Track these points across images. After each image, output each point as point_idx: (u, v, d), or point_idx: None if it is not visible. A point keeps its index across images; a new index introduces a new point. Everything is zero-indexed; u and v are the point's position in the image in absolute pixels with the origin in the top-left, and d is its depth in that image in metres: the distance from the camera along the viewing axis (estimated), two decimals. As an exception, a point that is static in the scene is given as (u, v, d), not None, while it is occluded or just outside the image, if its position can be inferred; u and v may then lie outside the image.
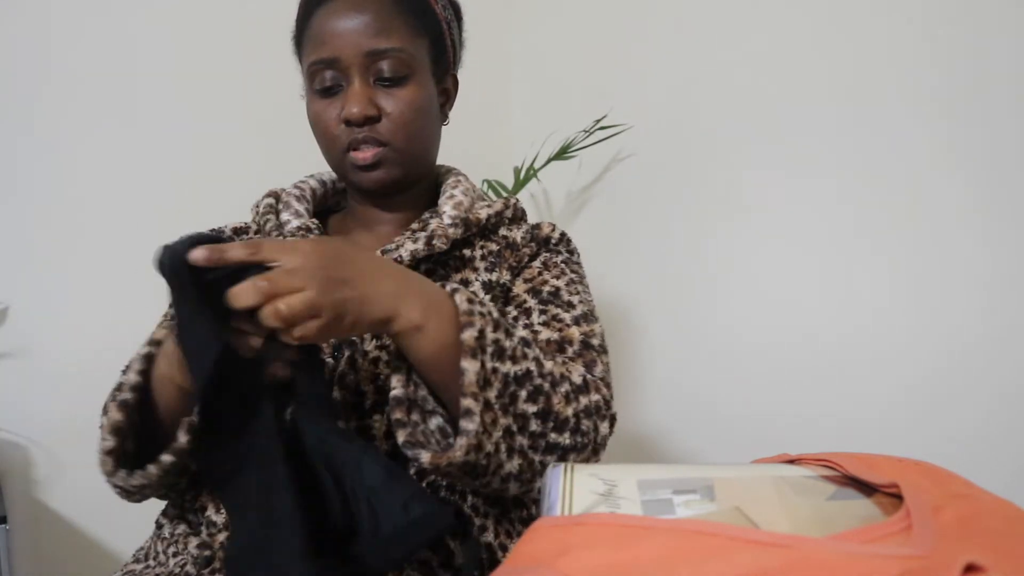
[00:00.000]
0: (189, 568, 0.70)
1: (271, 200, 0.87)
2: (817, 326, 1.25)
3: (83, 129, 1.45)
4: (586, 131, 1.57)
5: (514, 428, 0.63)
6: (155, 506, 0.82)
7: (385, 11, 0.76)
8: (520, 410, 0.63)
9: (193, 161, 1.55)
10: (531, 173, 1.64)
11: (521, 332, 0.67)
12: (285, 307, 0.54)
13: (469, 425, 0.60)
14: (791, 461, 0.52)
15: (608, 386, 0.73)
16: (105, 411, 0.70)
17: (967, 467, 0.53)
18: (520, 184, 1.64)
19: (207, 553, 0.71)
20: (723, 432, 1.42)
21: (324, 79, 0.77)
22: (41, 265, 1.43)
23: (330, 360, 0.75)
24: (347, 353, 0.74)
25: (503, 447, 0.63)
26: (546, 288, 0.79)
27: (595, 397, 0.69)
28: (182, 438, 0.68)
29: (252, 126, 1.58)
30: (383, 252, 0.78)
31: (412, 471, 0.72)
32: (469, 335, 0.61)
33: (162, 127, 1.52)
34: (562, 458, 0.66)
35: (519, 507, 0.80)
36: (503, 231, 0.86)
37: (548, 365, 0.66)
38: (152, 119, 1.51)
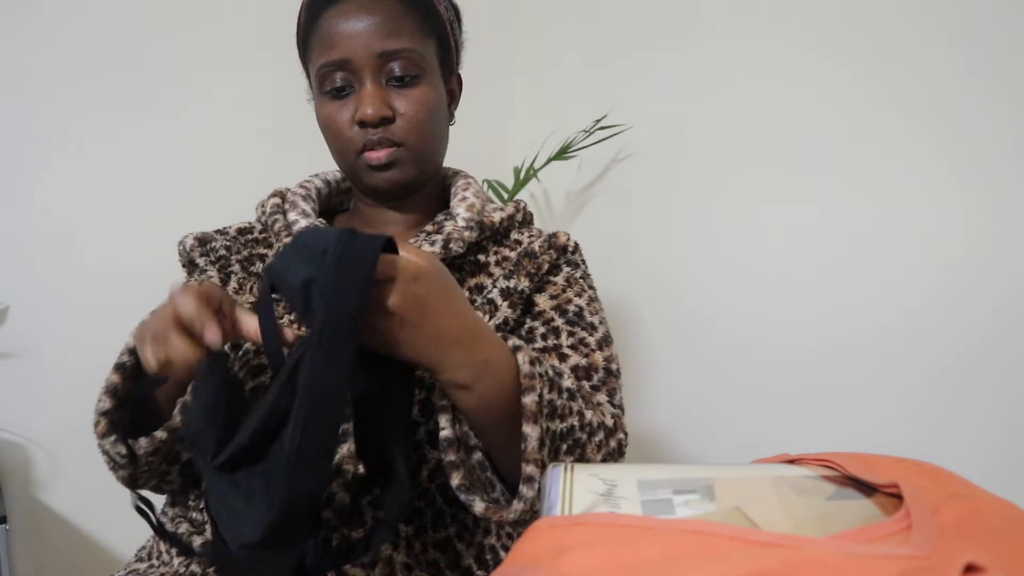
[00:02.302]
0: (194, 567, 0.71)
1: (277, 200, 0.87)
2: (817, 326, 1.25)
3: (84, 129, 1.45)
4: (586, 131, 1.56)
5: None
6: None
7: (394, 12, 0.76)
8: (560, 459, 0.64)
9: (195, 161, 1.55)
10: (531, 173, 1.64)
11: (567, 383, 0.67)
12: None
13: (529, 492, 0.59)
14: (791, 461, 0.52)
15: (623, 411, 0.75)
16: None
17: (967, 467, 0.53)
18: (520, 184, 1.64)
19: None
20: (723, 432, 1.42)
21: (335, 81, 0.77)
22: (41, 265, 1.43)
23: None
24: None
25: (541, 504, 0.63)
26: (571, 308, 0.80)
27: (620, 436, 0.70)
28: (177, 417, 0.68)
29: (254, 126, 1.58)
30: None
31: (425, 473, 0.73)
32: (531, 400, 0.60)
33: (164, 126, 1.52)
34: None
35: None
36: (515, 235, 0.86)
37: (588, 416, 0.67)
38: (154, 119, 1.51)
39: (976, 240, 1.05)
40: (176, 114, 1.53)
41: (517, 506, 0.60)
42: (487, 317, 0.77)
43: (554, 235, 0.87)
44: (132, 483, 0.75)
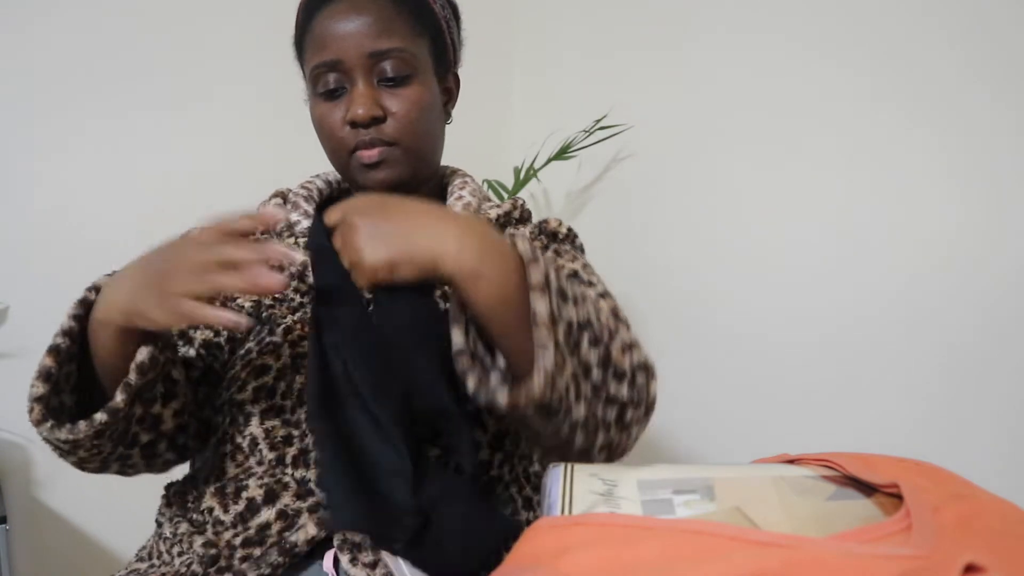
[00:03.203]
0: (195, 567, 0.70)
1: (279, 200, 0.87)
2: (818, 326, 1.25)
3: (84, 129, 1.45)
4: (586, 131, 1.56)
5: (580, 373, 0.62)
6: (156, 505, 0.82)
7: (385, 12, 0.76)
8: (583, 356, 0.62)
9: (196, 161, 1.55)
10: (531, 173, 1.64)
11: (577, 283, 0.67)
12: (360, 273, 0.59)
13: (545, 359, 0.58)
14: (791, 461, 0.52)
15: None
16: None
17: (967, 467, 0.53)
18: (520, 184, 1.64)
19: (213, 552, 0.71)
20: (723, 432, 1.42)
21: (327, 82, 0.77)
22: (41, 265, 1.43)
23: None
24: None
25: (572, 390, 0.62)
26: (564, 272, 0.79)
27: (644, 353, 0.68)
28: (119, 397, 0.66)
29: (256, 126, 1.58)
30: None
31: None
32: (536, 274, 0.60)
33: (164, 127, 1.52)
34: (620, 413, 0.66)
35: (528, 509, 0.80)
36: (510, 230, 0.86)
37: (604, 315, 0.66)
38: (154, 119, 1.51)
39: (977, 239, 1.05)
40: (177, 114, 1.53)
41: (539, 376, 0.58)
42: None
43: (544, 221, 0.87)
44: (85, 468, 0.73)
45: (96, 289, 0.71)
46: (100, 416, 0.66)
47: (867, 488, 0.44)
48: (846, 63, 1.19)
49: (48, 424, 0.66)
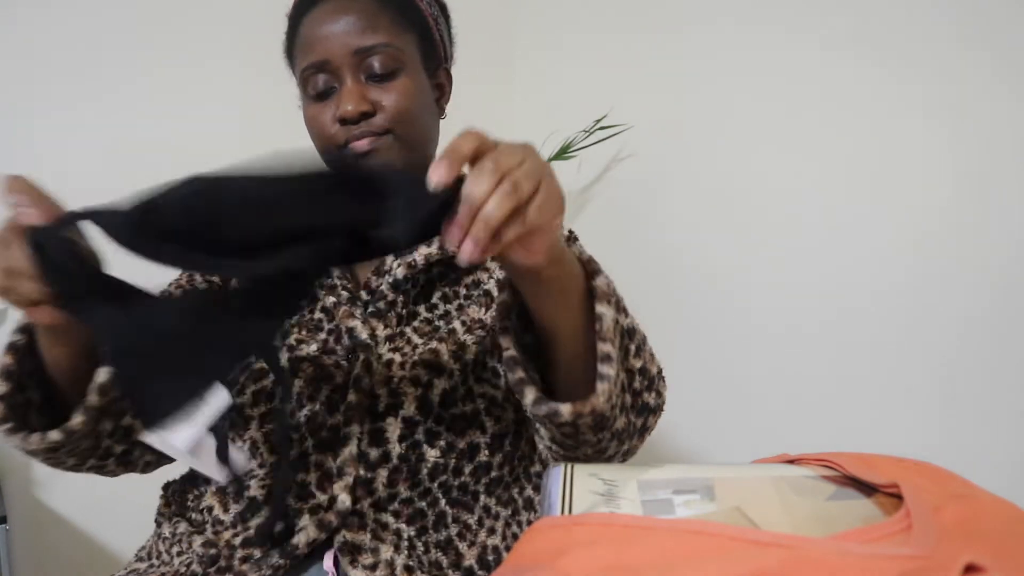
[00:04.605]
0: (195, 567, 0.71)
1: None
2: (819, 325, 1.25)
3: (83, 129, 1.45)
4: (586, 131, 1.56)
5: (625, 382, 0.63)
6: (156, 505, 0.82)
7: (369, 10, 0.77)
8: (629, 364, 0.63)
9: (196, 162, 1.55)
10: (531, 173, 1.64)
11: None
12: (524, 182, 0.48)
13: (609, 370, 0.58)
14: (791, 461, 0.52)
15: None
16: None
17: (967, 467, 0.53)
18: (520, 184, 1.64)
19: (212, 551, 0.71)
20: (723, 432, 1.42)
21: (317, 83, 0.78)
22: (41, 265, 1.43)
23: (344, 363, 0.75)
24: (362, 357, 0.74)
25: (617, 401, 0.62)
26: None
27: (659, 361, 0.70)
28: (76, 419, 0.65)
29: (254, 128, 1.58)
30: (396, 255, 0.78)
31: (425, 472, 0.73)
32: (602, 281, 0.60)
33: (163, 127, 1.52)
34: (645, 423, 0.67)
35: (529, 509, 0.80)
36: None
37: (636, 323, 0.67)
38: (153, 119, 1.51)
39: (978, 243, 1.05)
40: (175, 120, 1.53)
41: (603, 387, 0.58)
42: (483, 309, 0.77)
43: None
44: (59, 467, 0.72)
45: None
46: (54, 435, 0.65)
47: (867, 488, 0.44)
48: (848, 62, 1.19)
49: (9, 424, 0.65)
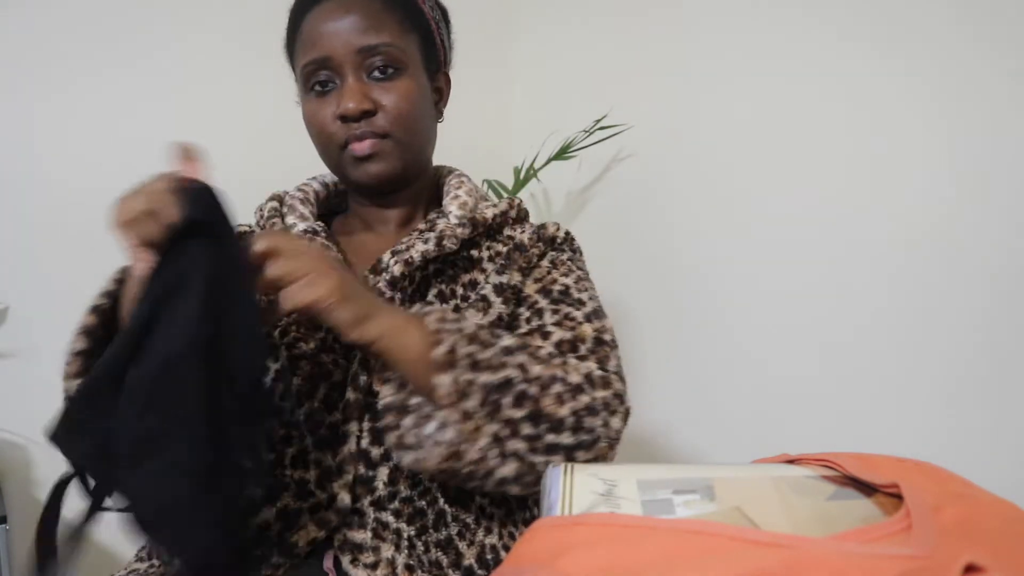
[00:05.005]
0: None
1: (275, 203, 0.88)
2: (819, 325, 1.25)
3: (83, 129, 1.45)
4: (586, 131, 1.56)
5: (504, 434, 0.64)
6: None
7: (374, 9, 0.77)
8: (506, 416, 0.64)
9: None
10: (531, 173, 1.64)
11: (505, 342, 0.67)
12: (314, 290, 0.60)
13: (443, 436, 0.63)
14: (791, 461, 0.52)
15: (622, 380, 0.73)
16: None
17: (968, 467, 0.53)
18: (520, 184, 1.64)
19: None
20: (723, 432, 1.42)
21: (318, 79, 0.78)
22: (41, 265, 1.43)
23: (343, 360, 0.75)
24: (359, 354, 0.74)
25: (493, 453, 0.64)
26: (556, 287, 0.80)
27: (602, 393, 0.68)
28: None
29: (253, 129, 1.58)
30: (393, 253, 0.78)
31: (407, 471, 0.73)
32: (440, 351, 0.63)
33: (164, 128, 1.52)
34: (569, 457, 0.66)
35: (523, 509, 0.80)
36: (508, 231, 0.86)
37: (536, 369, 0.66)
38: (153, 120, 1.51)
39: (978, 243, 1.05)
40: (177, 115, 1.53)
41: (438, 451, 0.63)
42: (480, 315, 0.77)
43: (543, 226, 0.87)
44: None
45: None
46: None
47: (867, 488, 0.44)
48: (848, 64, 1.19)
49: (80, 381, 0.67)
